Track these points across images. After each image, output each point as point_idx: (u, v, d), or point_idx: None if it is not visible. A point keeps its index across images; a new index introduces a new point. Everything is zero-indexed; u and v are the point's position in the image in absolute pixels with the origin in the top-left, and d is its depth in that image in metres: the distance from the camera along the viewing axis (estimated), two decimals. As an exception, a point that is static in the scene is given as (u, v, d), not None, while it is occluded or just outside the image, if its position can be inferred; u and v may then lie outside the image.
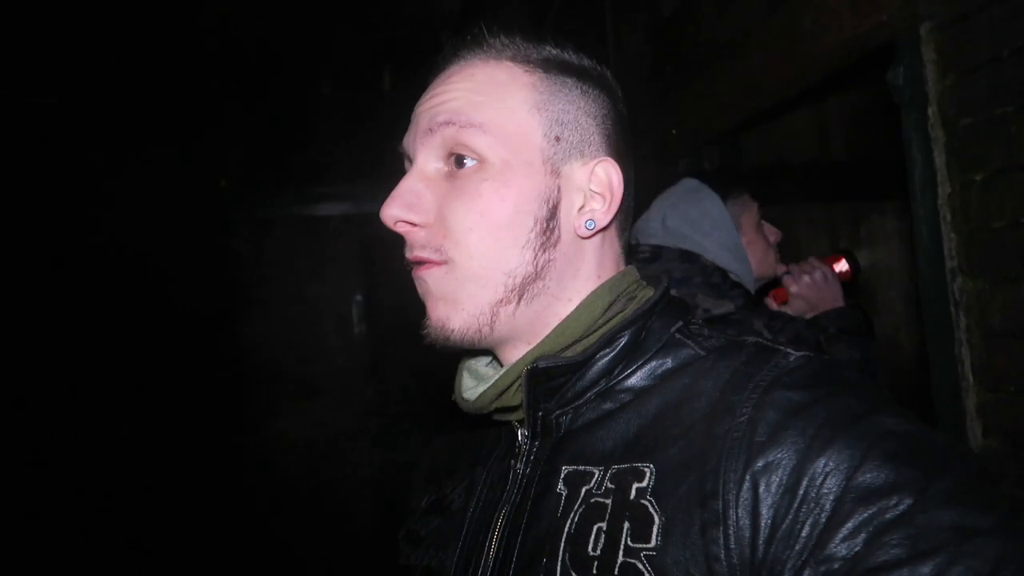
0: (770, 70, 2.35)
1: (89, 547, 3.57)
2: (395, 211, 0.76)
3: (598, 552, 0.66)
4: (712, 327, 0.79)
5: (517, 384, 0.76)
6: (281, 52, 4.43)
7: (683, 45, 2.72)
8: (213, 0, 3.90)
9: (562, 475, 0.73)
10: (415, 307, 0.80)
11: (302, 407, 4.51)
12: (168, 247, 3.97)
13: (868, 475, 0.58)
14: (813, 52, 2.08)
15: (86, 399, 3.73)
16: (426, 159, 0.78)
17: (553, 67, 0.78)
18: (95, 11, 3.65)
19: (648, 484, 0.66)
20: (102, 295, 3.84)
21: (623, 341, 0.74)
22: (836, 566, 0.56)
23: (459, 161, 0.75)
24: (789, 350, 0.71)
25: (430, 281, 0.76)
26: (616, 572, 0.64)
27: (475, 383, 0.82)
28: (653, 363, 0.75)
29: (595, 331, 0.76)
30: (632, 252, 1.82)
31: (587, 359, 0.74)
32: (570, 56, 0.80)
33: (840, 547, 0.56)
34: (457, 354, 0.85)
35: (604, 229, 0.79)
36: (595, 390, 0.75)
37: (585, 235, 0.77)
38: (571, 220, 0.77)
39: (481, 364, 0.85)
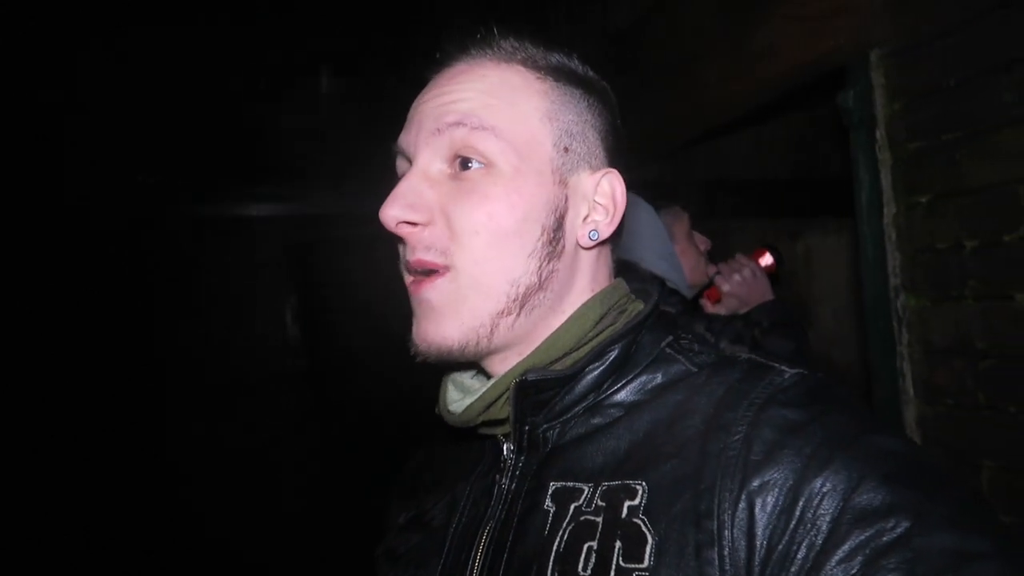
0: (721, 88, 2.41)
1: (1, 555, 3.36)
2: (396, 211, 0.71)
3: (588, 572, 0.64)
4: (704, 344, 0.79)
5: (505, 397, 0.74)
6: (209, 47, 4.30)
7: (635, 58, 2.76)
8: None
9: (550, 491, 0.71)
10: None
11: (230, 411, 4.36)
12: (86, 245, 3.78)
13: (865, 496, 0.57)
14: (765, 73, 2.14)
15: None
16: (430, 160, 0.74)
17: (563, 76, 0.77)
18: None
19: (640, 502, 0.64)
20: (17, 295, 3.63)
21: (613, 355, 0.73)
22: None
23: (464, 164, 0.72)
24: (783, 367, 0.69)
25: (433, 295, 0.72)
26: None
27: (461, 396, 0.79)
28: (643, 378, 0.73)
29: (585, 344, 0.74)
30: None
31: (576, 372, 0.72)
32: (576, 66, 0.79)
33: (836, 570, 0.55)
34: (438, 367, 0.81)
35: (604, 241, 0.78)
36: (583, 404, 0.73)
37: (587, 246, 0.76)
38: (575, 231, 0.76)
39: (467, 376, 0.82)
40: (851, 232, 2.98)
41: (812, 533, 0.57)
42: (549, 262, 0.73)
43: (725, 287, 1.99)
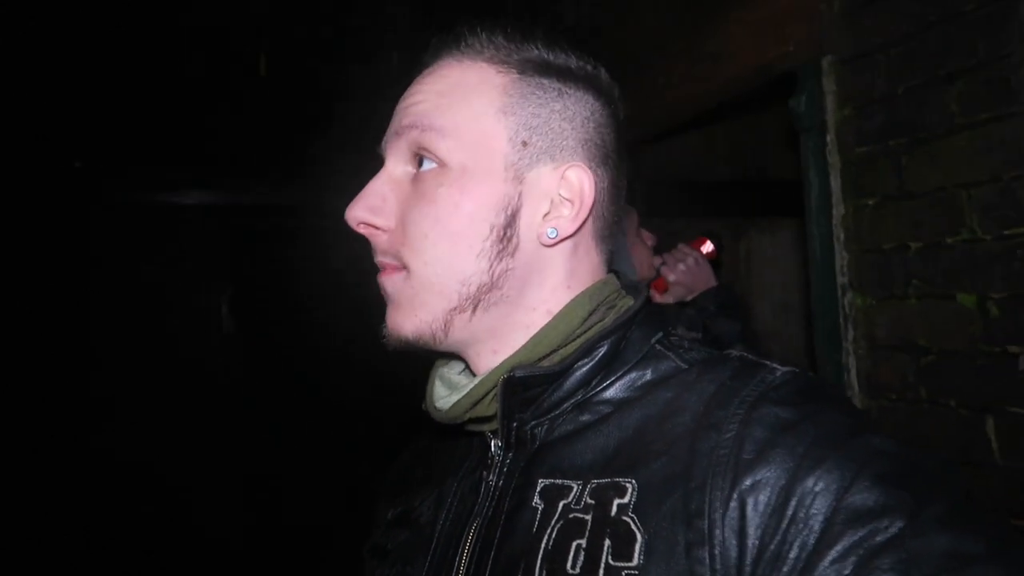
0: (674, 90, 2.46)
1: None
2: (358, 213, 0.75)
3: (577, 570, 0.63)
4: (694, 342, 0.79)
5: (492, 394, 0.73)
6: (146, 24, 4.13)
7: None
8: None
9: (538, 488, 0.70)
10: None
11: (155, 411, 4.21)
12: (20, 230, 3.60)
13: (858, 496, 0.56)
14: (718, 76, 2.20)
15: None
16: (395, 162, 0.77)
17: (531, 68, 0.75)
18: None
19: (630, 500, 0.64)
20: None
21: (602, 351, 0.72)
22: None
23: (420, 162, 0.74)
24: (775, 365, 0.69)
25: (389, 287, 0.76)
26: None
27: (448, 392, 0.79)
28: (633, 375, 0.73)
29: (573, 340, 0.74)
30: None
31: (565, 369, 0.72)
32: (554, 56, 0.76)
33: (829, 570, 0.54)
34: (426, 360, 0.83)
35: (572, 236, 0.75)
36: (572, 401, 0.73)
37: (548, 243, 0.74)
38: (534, 228, 0.74)
39: (454, 372, 0.82)
40: (792, 232, 3.09)
41: (804, 533, 0.57)
42: (501, 261, 0.72)
43: (671, 277, 2.04)
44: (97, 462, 3.82)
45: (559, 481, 0.70)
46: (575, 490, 0.68)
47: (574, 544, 0.64)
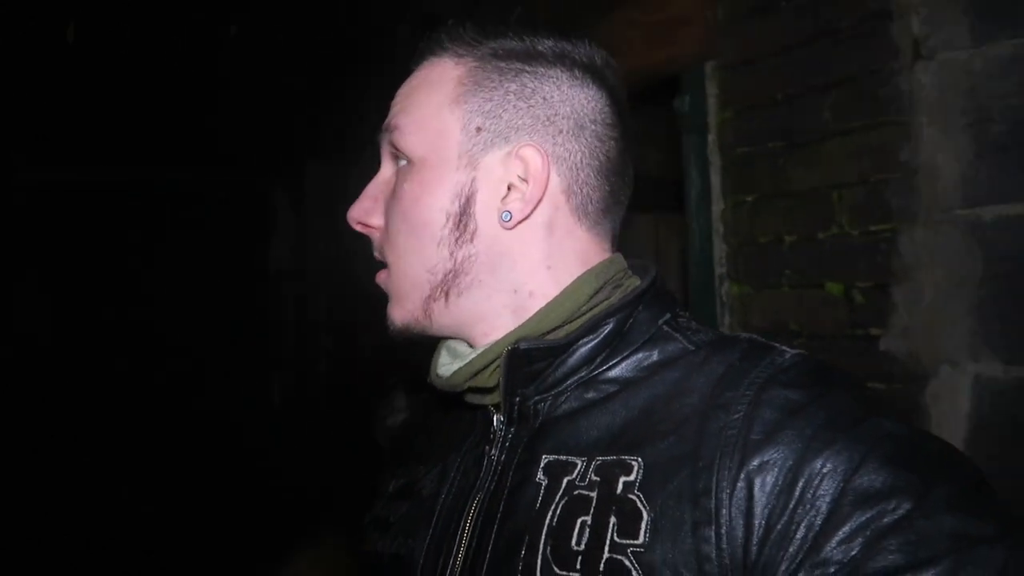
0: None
1: None
2: (353, 214, 0.80)
3: (582, 547, 0.63)
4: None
5: (494, 365, 0.74)
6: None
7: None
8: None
9: (542, 464, 0.70)
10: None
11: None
12: None
13: (866, 478, 0.57)
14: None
15: None
16: (384, 164, 0.81)
17: (490, 56, 0.75)
18: None
19: (636, 478, 0.64)
20: None
21: (607, 329, 0.72)
22: (832, 570, 0.55)
23: (398, 164, 0.78)
24: (784, 347, 0.69)
25: (382, 285, 0.80)
26: (602, 568, 0.61)
27: (451, 360, 0.79)
28: (639, 355, 0.72)
29: (579, 317, 0.74)
30: None
31: (569, 343, 0.72)
32: (519, 42, 0.75)
33: (836, 551, 0.55)
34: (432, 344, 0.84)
35: (531, 217, 0.73)
36: (576, 378, 0.72)
37: (508, 226, 0.73)
38: (493, 212, 0.73)
39: (462, 344, 0.81)
40: (667, 225, 3.26)
41: (811, 513, 0.57)
42: (461, 247, 0.73)
43: None
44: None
45: (563, 457, 0.69)
46: (579, 467, 0.68)
47: (579, 521, 0.64)
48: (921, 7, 1.52)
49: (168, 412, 4.05)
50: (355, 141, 3.26)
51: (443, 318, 0.76)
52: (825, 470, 0.58)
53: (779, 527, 0.58)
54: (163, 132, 4.13)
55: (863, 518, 0.55)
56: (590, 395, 0.72)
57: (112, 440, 3.87)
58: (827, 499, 0.57)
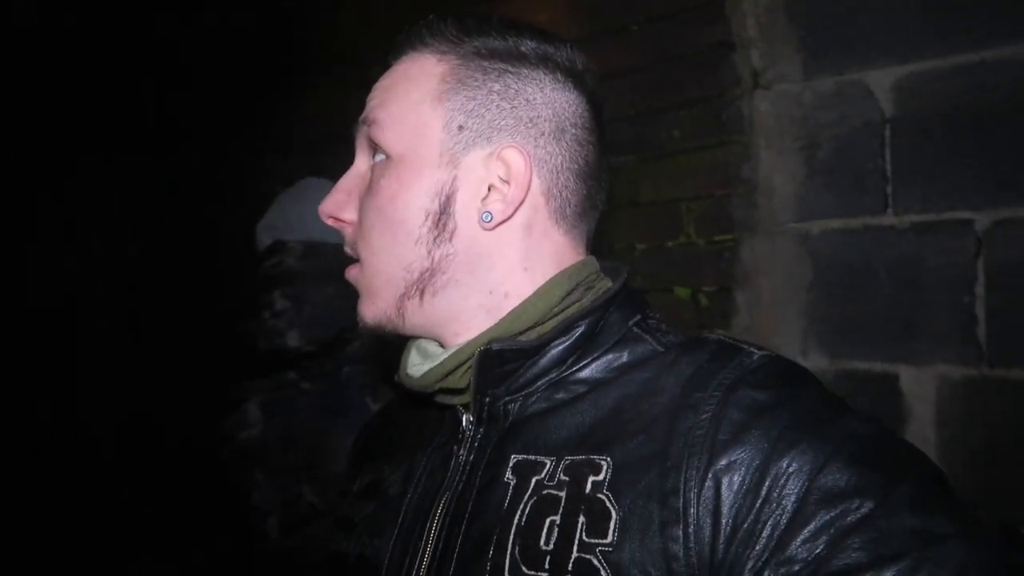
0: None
1: None
2: (327, 207, 0.79)
3: (550, 546, 0.63)
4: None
5: (466, 366, 0.73)
6: None
7: (304, 40, 2.68)
8: None
9: (511, 464, 0.70)
10: None
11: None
12: None
13: (831, 477, 0.58)
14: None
15: None
16: (360, 157, 0.79)
17: (474, 54, 0.74)
18: None
19: (605, 478, 0.64)
20: None
21: (579, 331, 0.72)
22: (796, 568, 0.55)
23: (374, 159, 0.77)
24: (752, 348, 0.70)
25: (352, 279, 0.79)
26: (570, 567, 0.61)
27: (421, 360, 0.78)
28: (609, 356, 0.73)
29: (551, 318, 0.74)
30: (276, 250, 1.77)
31: (542, 345, 0.72)
32: (503, 40, 0.74)
33: (801, 549, 0.56)
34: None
35: (513, 218, 0.73)
36: (546, 379, 0.73)
37: (488, 226, 0.72)
38: (473, 211, 0.73)
39: (432, 344, 0.79)
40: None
41: (777, 512, 0.58)
42: (439, 246, 0.72)
43: None
44: None
45: (532, 457, 0.69)
46: (548, 466, 0.68)
47: (547, 520, 0.64)
48: (760, 42, 1.70)
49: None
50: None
51: (416, 317, 0.75)
52: (791, 470, 0.59)
53: (746, 526, 0.58)
54: None
55: (827, 517, 0.56)
56: (560, 395, 0.72)
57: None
58: (793, 498, 0.58)
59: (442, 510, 0.72)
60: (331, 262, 1.80)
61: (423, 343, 0.79)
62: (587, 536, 0.62)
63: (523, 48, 0.74)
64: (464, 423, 0.76)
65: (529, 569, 0.63)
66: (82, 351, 3.54)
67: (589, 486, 0.64)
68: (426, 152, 0.72)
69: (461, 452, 0.74)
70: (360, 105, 0.77)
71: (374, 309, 0.76)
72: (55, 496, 3.31)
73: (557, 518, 0.64)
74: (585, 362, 0.73)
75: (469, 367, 0.72)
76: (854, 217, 1.59)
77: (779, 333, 1.69)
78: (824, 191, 1.63)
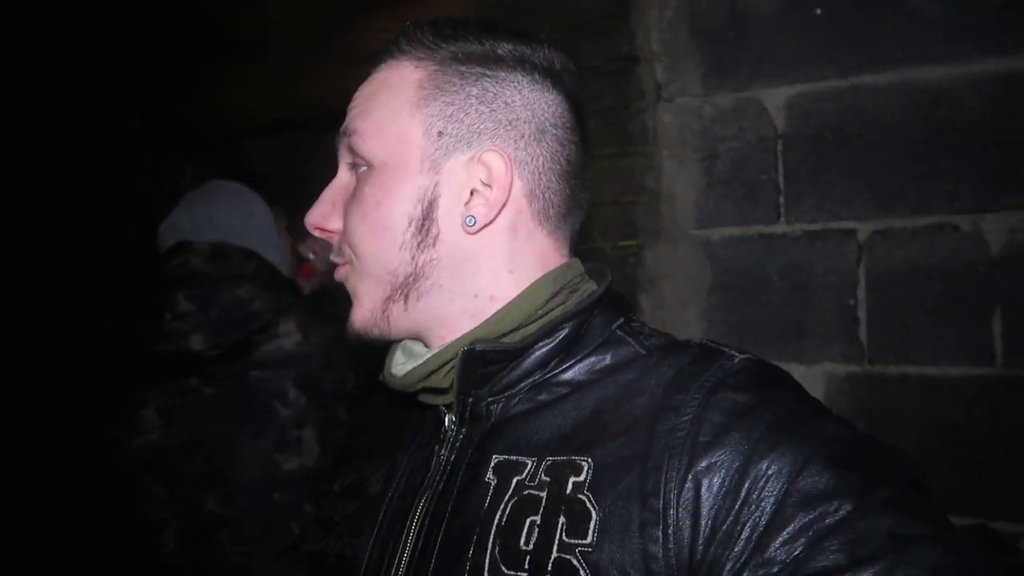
0: (294, 85, 2.44)
1: None
2: (312, 219, 0.80)
3: (530, 546, 0.63)
4: None
5: (449, 366, 0.74)
6: None
7: (213, 29, 2.57)
8: None
9: (492, 464, 0.70)
10: None
11: None
12: None
13: (810, 480, 0.58)
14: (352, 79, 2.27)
15: None
16: (343, 167, 0.80)
17: (451, 59, 0.74)
18: None
19: (586, 478, 0.64)
20: None
21: (563, 333, 0.72)
22: (775, 570, 0.56)
23: (357, 168, 0.78)
24: (733, 352, 0.71)
25: (341, 280, 0.80)
26: (550, 568, 0.62)
27: (405, 360, 0.78)
28: (592, 359, 0.73)
29: (535, 320, 0.74)
30: (181, 251, 1.71)
31: (526, 347, 0.72)
32: (480, 44, 0.75)
33: (780, 551, 0.56)
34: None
35: (496, 222, 0.73)
36: (530, 381, 0.73)
37: (471, 231, 0.73)
38: (456, 216, 0.73)
39: (418, 345, 0.79)
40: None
41: (756, 514, 0.58)
42: (423, 251, 0.73)
43: (322, 266, 2.04)
44: None
45: (514, 457, 0.70)
46: (530, 467, 0.68)
47: (528, 520, 0.65)
48: (664, 57, 1.79)
49: None
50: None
51: (401, 321, 0.76)
52: (770, 472, 0.59)
53: (725, 527, 0.59)
54: None
55: (806, 519, 0.57)
56: (542, 397, 0.73)
57: None
58: (772, 500, 0.58)
59: (422, 510, 0.72)
60: (242, 265, 1.75)
61: (408, 343, 0.80)
62: (567, 536, 0.62)
63: (500, 51, 0.74)
64: (447, 423, 0.76)
65: (509, 569, 0.63)
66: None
67: (570, 487, 0.65)
68: (408, 159, 0.73)
69: (443, 452, 0.75)
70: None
71: (363, 314, 0.77)
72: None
73: (537, 518, 0.64)
74: (568, 364, 0.73)
75: (452, 367, 0.73)
76: (750, 225, 1.70)
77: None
78: (722, 200, 1.73)
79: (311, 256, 2.03)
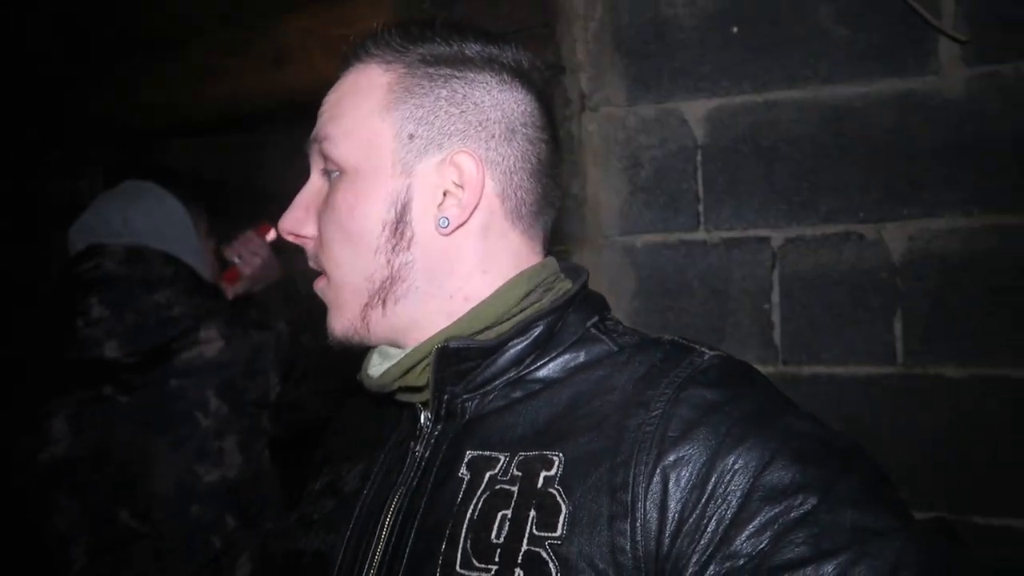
0: (209, 84, 2.37)
1: None
2: (285, 225, 0.80)
3: (501, 540, 0.64)
4: None
5: (424, 364, 0.74)
6: None
7: (117, 27, 2.46)
8: None
9: (466, 460, 0.71)
10: None
11: None
12: None
13: (776, 474, 0.59)
14: (283, 80, 2.23)
15: None
16: (315, 173, 0.80)
17: (419, 61, 0.75)
18: None
19: (556, 473, 0.66)
20: None
21: (537, 331, 0.73)
22: (741, 562, 0.57)
23: (329, 173, 0.78)
24: (704, 349, 0.72)
25: (319, 292, 0.80)
26: (520, 560, 0.63)
27: (381, 361, 0.79)
28: (566, 356, 0.74)
29: (510, 319, 0.75)
30: (93, 254, 1.65)
31: (500, 345, 0.73)
32: (448, 46, 0.75)
33: (746, 544, 0.57)
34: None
35: (469, 222, 0.74)
36: (504, 378, 0.74)
37: (445, 232, 0.73)
38: (430, 218, 0.74)
39: (394, 348, 0.80)
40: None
41: (723, 508, 0.59)
42: (397, 255, 0.74)
43: (248, 270, 1.98)
44: None
45: (487, 453, 0.71)
46: (502, 462, 0.69)
47: (499, 515, 0.66)
48: (588, 67, 1.83)
49: None
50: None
51: (380, 326, 0.76)
52: (737, 466, 0.60)
53: (691, 520, 0.60)
54: None
55: (772, 513, 0.58)
56: (516, 393, 0.74)
57: None
58: (738, 494, 0.59)
59: (396, 505, 0.73)
60: (159, 268, 1.68)
61: (384, 347, 0.80)
62: (537, 530, 0.63)
63: (468, 52, 0.75)
64: (422, 420, 0.77)
65: (480, 562, 0.64)
66: None
67: (541, 481, 0.66)
68: (379, 163, 0.73)
69: (418, 448, 0.76)
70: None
71: (342, 322, 0.77)
72: None
73: (509, 512, 0.65)
74: (543, 361, 0.74)
75: (427, 365, 0.73)
76: (671, 232, 1.76)
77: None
78: (645, 208, 1.79)
79: (236, 260, 1.98)
